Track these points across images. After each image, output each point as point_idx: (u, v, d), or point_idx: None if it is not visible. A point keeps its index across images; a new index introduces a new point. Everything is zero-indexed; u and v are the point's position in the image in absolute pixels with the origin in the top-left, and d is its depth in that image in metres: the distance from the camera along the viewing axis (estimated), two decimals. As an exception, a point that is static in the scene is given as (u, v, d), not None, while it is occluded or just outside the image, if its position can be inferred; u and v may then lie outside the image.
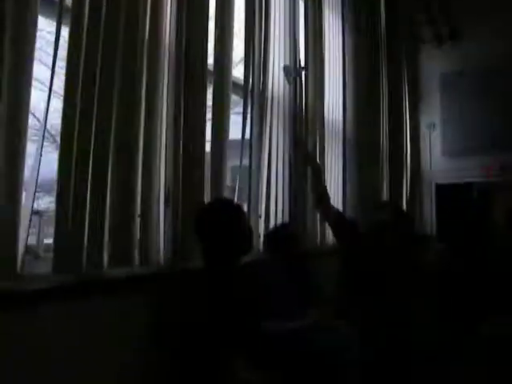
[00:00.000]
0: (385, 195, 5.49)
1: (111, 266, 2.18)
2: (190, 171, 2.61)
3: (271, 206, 3.46)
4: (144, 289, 2.30)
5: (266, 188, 3.41)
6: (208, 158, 2.83)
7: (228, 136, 2.96)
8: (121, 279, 2.20)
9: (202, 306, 2.23)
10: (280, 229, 3.22)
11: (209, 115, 2.83)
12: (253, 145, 3.28)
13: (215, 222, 2.38)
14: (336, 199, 4.60)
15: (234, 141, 3.15)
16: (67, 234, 1.99)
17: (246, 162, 3.27)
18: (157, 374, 2.32)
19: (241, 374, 2.14)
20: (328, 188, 4.19)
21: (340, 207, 4.62)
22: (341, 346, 2.66)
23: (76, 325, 1.99)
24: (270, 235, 3.20)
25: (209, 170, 2.84)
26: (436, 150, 7.58)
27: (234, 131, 3.16)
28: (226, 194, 2.99)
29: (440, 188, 7.77)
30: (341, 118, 4.78)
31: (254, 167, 3.29)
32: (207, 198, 2.74)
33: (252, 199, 3.24)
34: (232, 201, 2.69)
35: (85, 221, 2.06)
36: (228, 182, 3.05)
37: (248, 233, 2.47)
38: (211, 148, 2.87)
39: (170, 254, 2.48)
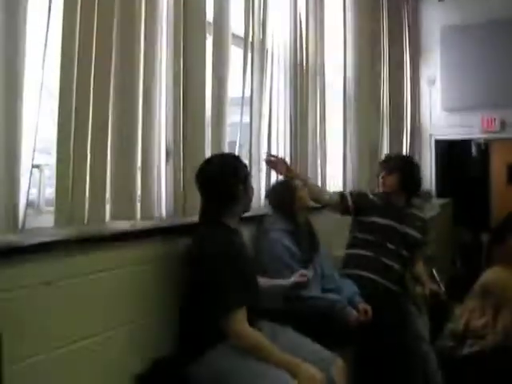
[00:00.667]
0: (385, 150, 5.47)
1: (113, 220, 2.17)
2: (191, 126, 2.58)
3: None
4: (146, 243, 2.30)
5: (268, 143, 3.38)
6: (208, 115, 2.80)
7: (227, 90, 2.91)
8: (123, 233, 2.19)
9: (203, 260, 2.23)
10: (282, 183, 3.20)
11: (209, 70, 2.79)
12: (253, 100, 3.24)
13: (216, 174, 2.35)
14: (336, 159, 4.61)
15: (235, 98, 3.11)
16: (68, 188, 1.97)
17: (246, 118, 3.26)
18: (159, 326, 2.36)
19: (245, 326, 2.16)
20: (328, 148, 4.23)
21: (340, 166, 4.64)
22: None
23: (78, 278, 2.00)
24: (272, 190, 3.20)
25: (209, 127, 2.81)
26: (436, 105, 7.52)
27: (235, 88, 3.14)
28: (227, 149, 2.96)
29: (439, 143, 7.75)
30: (341, 75, 4.74)
31: (254, 123, 3.26)
32: (208, 154, 2.72)
33: (253, 154, 3.21)
34: (233, 155, 2.64)
35: (85, 175, 2.04)
36: (228, 138, 3.01)
37: (249, 188, 2.45)
38: (212, 104, 2.83)
39: (172, 209, 2.48)
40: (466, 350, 2.16)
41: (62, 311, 1.95)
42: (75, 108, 1.99)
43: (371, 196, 3.45)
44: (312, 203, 3.30)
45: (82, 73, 2.01)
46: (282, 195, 3.07)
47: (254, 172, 3.17)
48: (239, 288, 2.17)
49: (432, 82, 7.34)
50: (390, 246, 3.28)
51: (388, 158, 3.87)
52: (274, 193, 3.15)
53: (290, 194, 3.04)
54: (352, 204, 3.40)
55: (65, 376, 1.96)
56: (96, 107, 2.07)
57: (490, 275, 2.24)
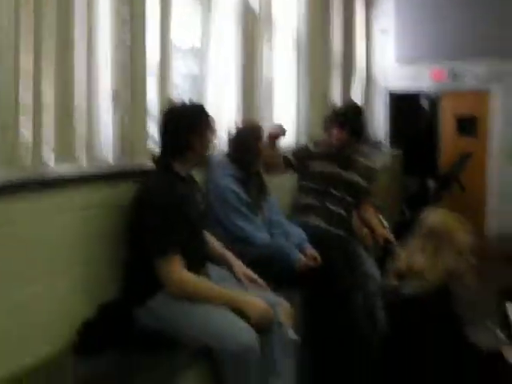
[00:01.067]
0: (338, 103, 5.48)
1: (57, 163, 2.12)
2: (138, 71, 2.52)
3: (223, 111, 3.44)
4: (92, 187, 2.27)
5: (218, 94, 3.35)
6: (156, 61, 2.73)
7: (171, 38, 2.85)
8: (67, 177, 2.15)
9: (142, 205, 2.22)
10: (246, 130, 3.11)
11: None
12: (202, 49, 3.18)
13: (169, 123, 2.33)
14: (289, 109, 4.59)
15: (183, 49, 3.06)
16: (8, 129, 1.90)
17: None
18: (105, 272, 2.37)
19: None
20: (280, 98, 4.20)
21: (293, 115, 4.63)
22: None
23: (20, 223, 1.97)
24: (236, 134, 3.12)
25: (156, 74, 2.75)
26: (389, 56, 7.55)
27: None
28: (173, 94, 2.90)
29: (392, 95, 7.83)
30: (293, 25, 4.68)
31: (202, 74, 3.22)
32: (154, 99, 2.68)
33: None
34: (196, 105, 2.45)
35: (27, 116, 1.97)
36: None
37: (206, 140, 2.39)
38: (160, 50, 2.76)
39: (118, 154, 2.44)
40: (407, 290, 2.22)
41: (3, 257, 1.91)
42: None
43: (313, 148, 3.50)
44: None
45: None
46: (243, 141, 3.00)
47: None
48: (174, 235, 2.16)
49: (385, 33, 7.34)
50: (334, 192, 3.35)
51: (338, 112, 3.83)
52: (236, 137, 3.05)
53: (253, 142, 2.99)
54: (296, 162, 3.47)
55: (9, 322, 1.94)
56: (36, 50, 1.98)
57: (434, 218, 2.30)
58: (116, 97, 2.41)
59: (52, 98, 2.09)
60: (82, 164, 2.25)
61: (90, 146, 2.29)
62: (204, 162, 2.50)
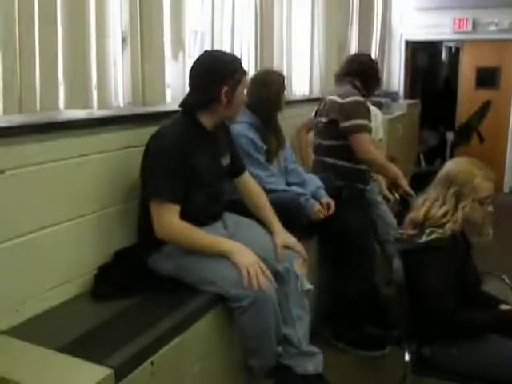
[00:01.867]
0: (352, 49, 5.33)
1: (67, 108, 2.08)
2: (148, 13, 2.44)
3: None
4: (104, 132, 2.23)
5: (231, 34, 3.26)
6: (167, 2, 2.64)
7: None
8: (78, 121, 2.11)
9: (148, 149, 2.18)
10: (266, 76, 2.98)
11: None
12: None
13: (199, 69, 2.23)
14: (303, 55, 4.47)
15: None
16: (16, 74, 1.86)
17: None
18: (120, 217, 2.36)
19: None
20: (295, 45, 4.07)
21: (307, 63, 4.51)
22: None
23: (33, 167, 1.94)
24: (253, 82, 2.99)
25: (168, 14, 2.66)
26: (408, 4, 7.31)
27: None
28: (188, 39, 2.82)
29: (410, 44, 7.63)
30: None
31: (216, 13, 3.12)
32: (167, 42, 2.59)
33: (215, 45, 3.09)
34: (232, 56, 2.38)
35: (35, 61, 1.92)
36: (189, 28, 2.86)
37: (236, 96, 2.26)
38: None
39: (130, 99, 2.38)
40: (424, 238, 2.17)
41: (18, 201, 1.90)
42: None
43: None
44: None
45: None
46: (263, 88, 2.88)
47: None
48: (171, 181, 2.10)
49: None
50: (320, 142, 3.31)
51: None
52: (255, 84, 2.90)
53: (274, 90, 2.88)
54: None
55: (26, 266, 1.94)
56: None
57: (454, 165, 2.23)
58: (126, 39, 2.35)
59: (61, 41, 2.03)
60: (93, 108, 2.20)
61: (102, 89, 2.23)
62: (235, 117, 2.40)
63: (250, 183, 2.55)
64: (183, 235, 2.15)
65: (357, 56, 3.51)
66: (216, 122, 2.30)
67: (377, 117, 3.99)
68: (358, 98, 3.15)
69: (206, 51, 2.30)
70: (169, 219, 2.12)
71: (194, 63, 2.25)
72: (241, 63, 2.28)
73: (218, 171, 2.35)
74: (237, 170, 2.51)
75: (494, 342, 2.10)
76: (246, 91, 2.39)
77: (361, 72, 3.28)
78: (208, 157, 2.27)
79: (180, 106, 2.28)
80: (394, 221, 3.57)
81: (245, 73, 2.27)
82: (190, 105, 2.25)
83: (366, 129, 3.13)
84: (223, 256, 2.14)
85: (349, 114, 3.10)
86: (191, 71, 2.24)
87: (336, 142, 3.19)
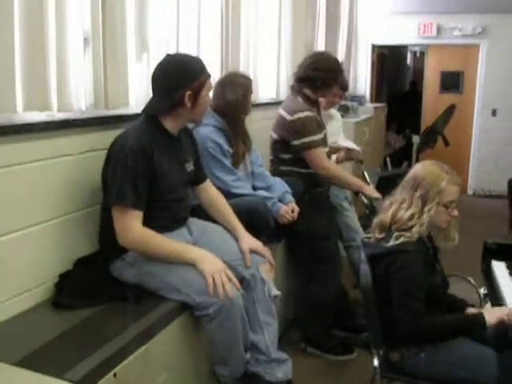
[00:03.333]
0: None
1: (26, 111, 2.01)
2: (111, 14, 2.37)
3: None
4: (65, 135, 2.16)
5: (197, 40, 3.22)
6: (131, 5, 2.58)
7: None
8: (38, 124, 2.04)
9: (109, 153, 2.14)
10: (234, 79, 2.92)
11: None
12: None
13: (160, 71, 2.18)
14: (270, 59, 4.45)
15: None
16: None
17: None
18: (81, 223, 2.30)
19: None
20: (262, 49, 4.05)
21: (274, 66, 4.49)
22: None
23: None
24: (221, 84, 2.93)
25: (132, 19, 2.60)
26: (375, 9, 7.38)
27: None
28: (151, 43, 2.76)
29: (377, 49, 7.70)
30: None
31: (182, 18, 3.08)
32: (131, 44, 2.54)
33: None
34: (197, 60, 2.28)
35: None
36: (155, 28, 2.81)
37: (201, 99, 2.22)
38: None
39: (92, 101, 2.32)
40: (391, 242, 2.17)
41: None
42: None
43: None
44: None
45: None
46: (228, 92, 2.82)
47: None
48: (133, 186, 2.05)
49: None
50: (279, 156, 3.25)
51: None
52: (222, 87, 2.85)
53: (240, 93, 2.83)
54: None
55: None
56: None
57: (421, 168, 2.23)
58: (88, 40, 2.29)
59: (18, 42, 1.95)
60: (53, 110, 2.13)
61: (62, 91, 2.16)
62: (200, 120, 2.36)
63: (211, 190, 2.52)
64: (147, 242, 2.10)
65: (313, 58, 3.23)
66: (180, 125, 2.26)
67: (337, 119, 4.01)
68: (306, 113, 3.07)
69: (168, 54, 2.24)
70: (131, 225, 2.06)
71: (157, 67, 2.19)
72: (204, 66, 2.23)
73: (182, 177, 2.30)
74: (199, 177, 2.47)
75: (460, 344, 2.11)
76: (211, 94, 2.35)
77: (312, 79, 3.13)
78: (172, 162, 2.22)
79: (143, 111, 2.22)
80: (359, 226, 3.58)
81: (209, 75, 2.22)
82: (153, 109, 2.20)
83: (319, 143, 3.10)
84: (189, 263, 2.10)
85: (298, 132, 3.06)
86: (154, 75, 2.19)
87: (291, 155, 3.15)
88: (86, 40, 2.30)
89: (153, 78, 2.20)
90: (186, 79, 2.13)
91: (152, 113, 2.20)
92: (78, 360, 1.68)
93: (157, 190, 2.14)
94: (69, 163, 2.19)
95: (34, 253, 2.07)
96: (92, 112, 2.35)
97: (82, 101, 2.30)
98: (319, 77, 3.11)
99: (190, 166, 2.36)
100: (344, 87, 3.74)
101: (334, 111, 4.01)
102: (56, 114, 2.15)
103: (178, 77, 2.13)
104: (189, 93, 2.13)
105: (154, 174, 2.11)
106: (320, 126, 3.16)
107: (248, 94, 2.87)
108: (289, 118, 3.10)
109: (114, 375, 1.74)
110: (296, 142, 3.08)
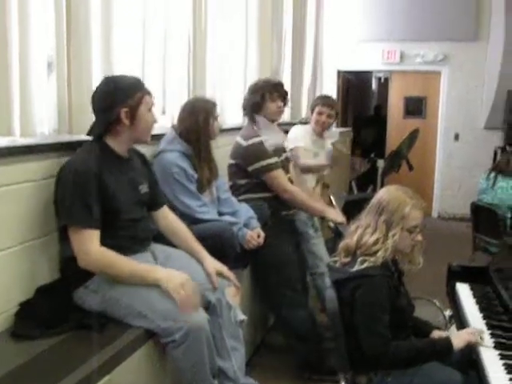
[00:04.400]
0: (285, 77, 5.40)
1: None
2: (76, 37, 2.36)
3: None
4: (27, 161, 2.12)
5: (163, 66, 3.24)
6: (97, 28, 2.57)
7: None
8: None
9: (58, 177, 2.14)
10: (197, 102, 2.96)
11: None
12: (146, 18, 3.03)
13: (97, 92, 2.21)
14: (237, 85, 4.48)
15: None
16: None
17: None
18: (42, 250, 2.24)
19: None
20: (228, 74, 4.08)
21: (241, 90, 4.51)
22: None
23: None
24: (185, 106, 2.95)
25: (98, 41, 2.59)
26: (341, 37, 7.53)
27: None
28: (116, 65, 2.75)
29: (342, 75, 7.84)
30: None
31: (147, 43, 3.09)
32: (96, 67, 2.53)
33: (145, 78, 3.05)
34: (132, 78, 2.28)
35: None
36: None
37: (140, 116, 2.22)
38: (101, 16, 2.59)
39: (56, 126, 2.29)
40: (356, 267, 2.18)
41: None
42: None
43: None
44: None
45: None
46: (189, 117, 2.84)
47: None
48: (84, 207, 2.04)
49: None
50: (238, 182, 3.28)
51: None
52: (186, 112, 2.88)
53: (199, 118, 2.82)
54: None
55: None
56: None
57: (386, 193, 2.25)
58: (52, 64, 2.27)
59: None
60: (16, 135, 2.10)
61: (25, 116, 2.12)
62: (144, 138, 2.31)
63: (169, 216, 2.50)
64: (108, 261, 2.07)
65: (252, 85, 3.42)
66: (126, 145, 2.26)
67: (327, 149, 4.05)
68: (259, 138, 3.15)
69: (105, 76, 2.27)
70: (88, 246, 2.04)
71: (95, 88, 2.22)
72: (141, 83, 2.25)
73: (135, 196, 2.28)
74: (155, 202, 2.45)
75: (427, 367, 2.11)
76: (152, 112, 2.31)
77: (250, 105, 3.30)
78: (123, 182, 2.22)
79: (87, 133, 2.23)
80: (324, 253, 3.60)
81: (147, 93, 2.24)
82: (94, 129, 2.21)
83: (277, 166, 3.16)
84: (151, 285, 2.07)
85: (254, 156, 3.13)
86: (92, 96, 2.21)
87: (250, 180, 3.19)
88: (49, 64, 2.28)
89: (91, 99, 2.22)
90: (120, 96, 2.15)
91: (94, 133, 2.21)
92: (38, 392, 1.63)
93: (111, 210, 2.13)
94: (31, 189, 2.14)
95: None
96: (55, 137, 2.32)
97: (45, 126, 2.27)
98: (249, 101, 3.28)
99: (143, 188, 2.34)
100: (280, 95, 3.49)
101: (328, 142, 4.09)
102: (18, 140, 2.11)
103: (112, 94, 2.15)
104: (125, 110, 2.15)
105: (104, 193, 2.10)
106: (276, 151, 3.22)
107: (209, 118, 2.84)
108: (244, 143, 3.17)
109: (77, 406, 1.69)
110: (253, 167, 3.13)
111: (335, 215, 3.27)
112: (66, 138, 2.35)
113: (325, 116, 3.82)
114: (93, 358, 1.84)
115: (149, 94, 2.25)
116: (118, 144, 2.22)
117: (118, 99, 2.14)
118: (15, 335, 2.01)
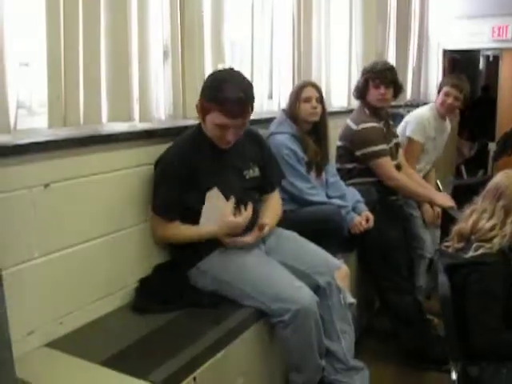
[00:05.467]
0: (390, 59, 5.26)
1: (110, 121, 2.09)
2: (189, 26, 2.45)
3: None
4: (145, 145, 2.25)
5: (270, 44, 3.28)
6: (208, 14, 2.64)
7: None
8: (121, 134, 2.12)
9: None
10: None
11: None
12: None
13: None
14: (341, 67, 4.42)
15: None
16: (61, 88, 1.87)
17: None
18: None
19: None
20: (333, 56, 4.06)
21: (346, 74, 4.46)
22: None
23: (76, 180, 1.96)
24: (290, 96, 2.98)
25: (209, 26, 2.66)
26: (446, 13, 7.21)
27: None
28: (228, 51, 2.81)
29: (448, 54, 7.50)
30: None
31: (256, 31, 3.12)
32: (208, 56, 2.61)
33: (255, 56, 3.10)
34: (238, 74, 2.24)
35: (79, 76, 1.94)
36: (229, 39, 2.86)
37: None
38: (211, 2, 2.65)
39: (171, 111, 2.39)
40: (470, 253, 2.11)
41: (61, 214, 1.91)
42: (63, 4, 1.85)
43: None
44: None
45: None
46: (289, 98, 2.91)
47: (256, 75, 3.06)
48: (164, 196, 2.19)
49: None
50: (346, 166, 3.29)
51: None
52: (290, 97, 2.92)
53: (295, 97, 2.86)
54: None
55: (68, 279, 1.96)
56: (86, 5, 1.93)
57: (505, 178, 2.15)
58: (167, 53, 2.36)
59: (104, 55, 2.05)
60: (135, 121, 2.21)
61: (143, 102, 2.23)
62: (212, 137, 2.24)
63: (273, 198, 2.50)
64: (167, 239, 2.30)
65: (363, 69, 3.39)
66: None
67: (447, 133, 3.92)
68: (370, 124, 3.13)
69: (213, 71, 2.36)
70: (154, 229, 2.28)
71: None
72: (232, 99, 2.08)
73: (238, 183, 2.29)
74: (265, 186, 2.45)
75: None
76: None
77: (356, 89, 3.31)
78: (224, 169, 2.25)
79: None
80: (427, 236, 3.51)
81: (222, 109, 2.09)
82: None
83: (384, 153, 3.13)
84: (260, 268, 2.17)
85: (363, 142, 3.12)
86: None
87: (358, 165, 3.20)
88: (165, 53, 2.37)
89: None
90: (208, 93, 2.14)
91: (199, 127, 2.27)
92: (159, 363, 1.73)
93: (193, 200, 2.20)
94: (150, 171, 2.26)
95: (115, 258, 2.15)
96: (171, 122, 2.42)
97: (161, 111, 2.37)
98: (356, 86, 3.31)
99: (250, 173, 2.35)
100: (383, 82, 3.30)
101: (449, 127, 3.93)
102: (137, 125, 2.23)
103: (206, 88, 2.16)
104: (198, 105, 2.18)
105: (197, 184, 2.17)
106: (385, 138, 3.19)
107: (295, 101, 2.85)
108: (354, 127, 3.16)
109: (194, 379, 1.78)
110: (361, 152, 3.13)
111: (444, 200, 3.18)
112: (180, 122, 2.45)
113: (452, 98, 3.59)
114: (207, 334, 1.94)
115: (225, 110, 2.11)
116: None
117: (205, 95, 2.17)
118: (136, 309, 2.15)
